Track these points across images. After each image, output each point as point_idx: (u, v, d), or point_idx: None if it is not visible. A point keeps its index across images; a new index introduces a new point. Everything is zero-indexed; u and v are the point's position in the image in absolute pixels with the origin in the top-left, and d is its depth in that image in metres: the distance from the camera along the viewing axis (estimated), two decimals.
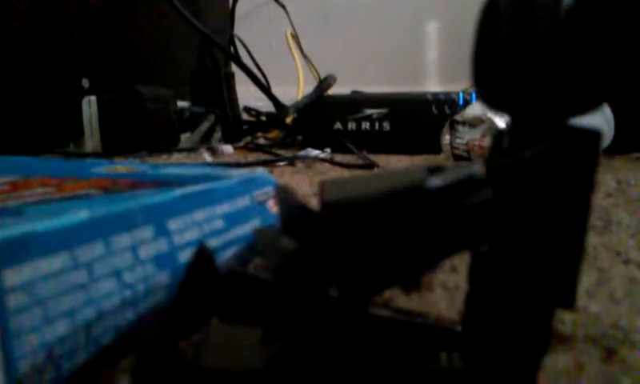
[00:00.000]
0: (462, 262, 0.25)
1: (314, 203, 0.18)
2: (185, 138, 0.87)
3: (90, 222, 0.15)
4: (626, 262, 0.25)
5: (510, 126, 0.15)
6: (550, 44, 0.13)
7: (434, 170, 0.14)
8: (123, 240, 0.16)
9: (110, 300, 0.15)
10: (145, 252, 0.17)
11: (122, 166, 0.31)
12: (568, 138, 0.13)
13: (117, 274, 0.16)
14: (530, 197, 0.13)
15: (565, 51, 0.13)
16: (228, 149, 0.80)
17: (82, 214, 0.15)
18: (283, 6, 1.11)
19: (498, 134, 0.16)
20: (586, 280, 0.23)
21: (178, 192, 0.21)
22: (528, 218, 0.13)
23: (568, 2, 0.14)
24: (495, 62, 0.14)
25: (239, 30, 1.14)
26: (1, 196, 0.20)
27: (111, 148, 0.74)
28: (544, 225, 0.13)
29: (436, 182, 0.13)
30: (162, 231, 0.18)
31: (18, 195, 0.21)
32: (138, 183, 0.24)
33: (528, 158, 0.13)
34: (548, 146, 0.13)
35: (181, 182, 0.23)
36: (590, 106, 0.14)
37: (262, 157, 0.73)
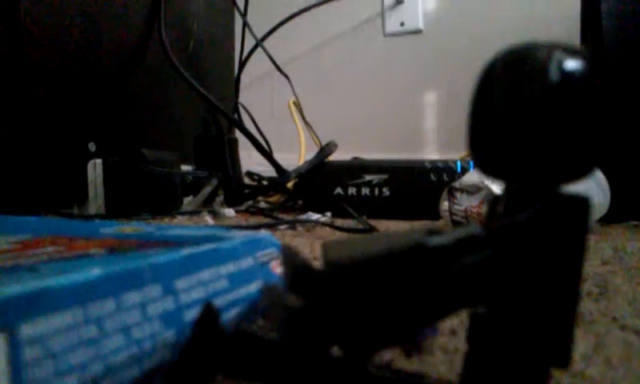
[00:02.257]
0: (461, 325, 0.26)
1: (315, 265, 0.19)
2: (187, 201, 0.88)
3: (102, 279, 0.16)
4: (623, 327, 0.25)
5: (505, 192, 0.16)
6: (539, 114, 0.14)
7: (433, 232, 0.15)
8: (133, 297, 0.17)
9: (118, 356, 0.16)
10: (153, 310, 0.18)
11: (129, 227, 0.31)
12: (558, 204, 0.14)
13: (125, 330, 0.16)
14: (524, 259, 0.14)
15: (553, 121, 0.14)
16: (230, 212, 0.81)
17: (94, 272, 0.16)
18: (286, 76, 1.15)
19: (493, 199, 0.17)
20: (583, 345, 0.23)
21: (185, 252, 0.21)
22: (523, 279, 0.14)
23: (555, 75, 0.15)
24: (489, 130, 0.15)
25: (243, 97, 1.17)
26: (13, 254, 0.21)
27: (115, 210, 0.75)
28: (538, 285, 0.14)
29: (436, 241, 0.14)
30: (169, 290, 0.19)
31: (29, 253, 0.21)
32: (144, 243, 0.25)
33: (523, 221, 0.14)
34: (539, 211, 0.14)
35: (186, 242, 0.24)
36: (579, 174, 0.15)
37: (263, 220, 0.74)
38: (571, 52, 0.15)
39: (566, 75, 0.14)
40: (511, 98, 0.15)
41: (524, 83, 0.15)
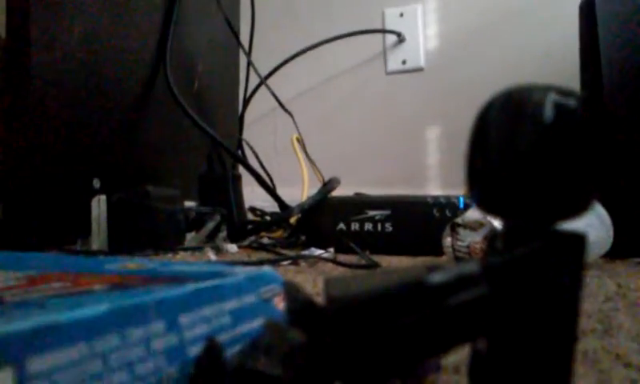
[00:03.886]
0: (463, 362, 0.25)
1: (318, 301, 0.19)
2: (190, 237, 0.88)
3: (108, 314, 0.16)
4: (627, 365, 0.25)
5: (503, 229, 0.16)
6: (533, 154, 0.15)
7: (434, 269, 0.15)
8: (137, 333, 0.17)
9: None
10: (157, 345, 0.18)
11: (134, 263, 0.32)
12: (555, 241, 0.14)
13: (130, 365, 0.16)
14: (521, 295, 0.14)
15: (547, 161, 0.15)
16: (232, 248, 0.81)
17: (101, 307, 0.16)
18: (290, 113, 1.17)
19: (492, 235, 0.17)
20: (587, 382, 0.23)
21: (189, 288, 0.22)
22: (520, 315, 0.14)
23: (549, 116, 0.15)
24: (486, 169, 0.16)
25: (247, 134, 1.19)
26: (20, 290, 0.21)
27: (118, 246, 0.75)
28: (536, 321, 0.14)
29: (435, 278, 0.14)
30: (173, 325, 0.19)
31: (36, 289, 0.22)
32: (149, 279, 0.25)
33: (519, 258, 0.14)
34: (537, 247, 0.14)
35: (190, 278, 0.24)
36: (575, 211, 0.16)
37: (265, 256, 0.74)
38: (565, 94, 0.16)
39: (560, 116, 0.15)
40: (507, 139, 0.15)
41: (519, 124, 0.15)
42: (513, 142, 0.15)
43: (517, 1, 1.24)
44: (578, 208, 0.16)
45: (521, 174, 0.15)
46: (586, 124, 0.16)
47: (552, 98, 0.16)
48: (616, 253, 0.67)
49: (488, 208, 0.17)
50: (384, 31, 1.35)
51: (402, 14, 1.35)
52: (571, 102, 0.16)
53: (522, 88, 0.16)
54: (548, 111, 0.15)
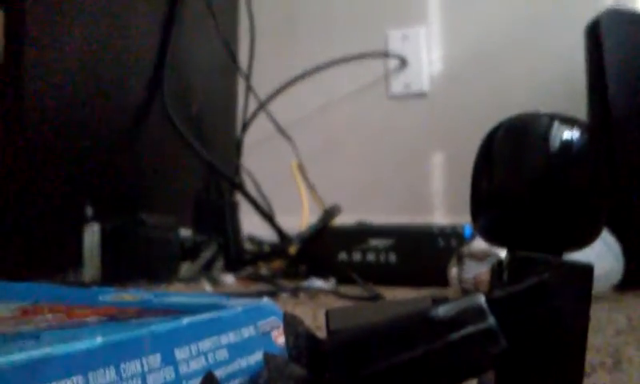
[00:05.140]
0: None
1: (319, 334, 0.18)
2: (185, 267, 0.86)
3: (103, 347, 0.16)
4: None
5: (508, 259, 0.16)
6: (539, 182, 0.14)
7: (438, 301, 0.15)
8: (133, 367, 0.17)
9: None
10: (152, 380, 0.17)
11: (128, 294, 0.31)
12: (561, 272, 0.14)
13: None
14: (528, 325, 0.13)
15: (553, 190, 0.14)
16: (229, 279, 0.80)
17: (96, 340, 0.16)
18: (290, 139, 1.16)
19: (497, 266, 0.16)
20: None
21: (185, 321, 0.21)
22: (527, 347, 0.13)
23: (555, 144, 0.15)
24: (490, 199, 0.15)
25: (246, 159, 1.18)
26: (13, 321, 0.21)
27: (110, 276, 0.73)
28: (543, 352, 0.13)
29: (440, 311, 0.13)
30: (169, 359, 0.18)
31: (29, 321, 0.21)
32: (144, 311, 0.25)
33: (525, 290, 0.14)
34: (542, 279, 0.14)
35: (186, 310, 0.23)
36: (581, 242, 0.15)
37: (264, 287, 0.73)
38: (570, 122, 0.15)
39: (566, 145, 0.15)
40: (512, 168, 0.15)
41: (524, 153, 0.15)
42: (518, 171, 0.15)
43: (522, 25, 1.24)
44: (585, 237, 0.15)
45: (526, 204, 0.14)
46: (591, 153, 0.15)
47: (557, 126, 0.15)
48: (627, 284, 0.66)
49: (492, 238, 0.16)
50: (386, 55, 1.35)
51: (405, 37, 1.35)
52: (576, 131, 0.15)
53: (526, 116, 0.16)
54: (553, 140, 0.15)
